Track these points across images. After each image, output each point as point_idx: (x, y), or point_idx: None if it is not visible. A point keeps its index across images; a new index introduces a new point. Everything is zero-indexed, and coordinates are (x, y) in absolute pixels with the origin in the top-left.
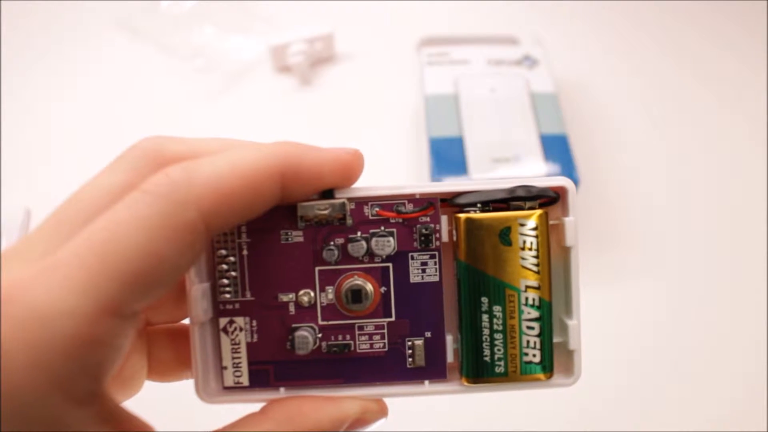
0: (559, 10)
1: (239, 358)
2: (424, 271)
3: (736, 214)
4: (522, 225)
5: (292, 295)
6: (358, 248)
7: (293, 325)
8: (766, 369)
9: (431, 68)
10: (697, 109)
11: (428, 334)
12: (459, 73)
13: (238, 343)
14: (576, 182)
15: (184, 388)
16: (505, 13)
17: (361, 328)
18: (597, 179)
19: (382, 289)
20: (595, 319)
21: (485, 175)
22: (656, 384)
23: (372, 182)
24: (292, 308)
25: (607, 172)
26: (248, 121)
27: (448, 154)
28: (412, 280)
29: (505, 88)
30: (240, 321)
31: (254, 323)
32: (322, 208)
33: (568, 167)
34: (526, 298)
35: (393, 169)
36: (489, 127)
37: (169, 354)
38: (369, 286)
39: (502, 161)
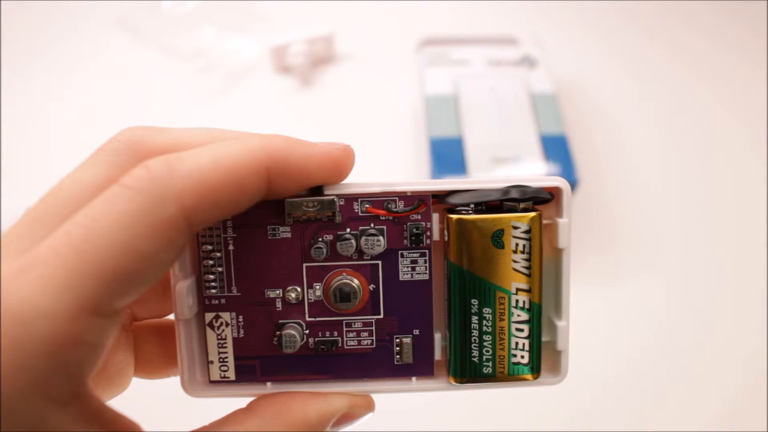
0: (559, 10)
1: (225, 352)
2: (413, 269)
3: (735, 214)
4: (515, 228)
5: (279, 291)
6: (348, 247)
7: (280, 321)
8: (766, 369)
9: (431, 68)
10: (697, 109)
11: (416, 332)
12: (459, 74)
13: (225, 338)
14: (575, 182)
15: (171, 385)
16: (505, 13)
17: (348, 325)
18: (597, 179)
19: (371, 287)
20: (594, 318)
21: (485, 175)
22: (656, 383)
23: (369, 181)
24: (279, 304)
25: (606, 172)
26: (248, 122)
27: (448, 155)
28: (401, 278)
29: (505, 88)
30: (226, 316)
31: (240, 318)
32: (310, 206)
33: (567, 167)
34: (517, 301)
35: (393, 170)
36: (489, 127)
37: (155, 350)
38: (358, 285)
39: (502, 161)
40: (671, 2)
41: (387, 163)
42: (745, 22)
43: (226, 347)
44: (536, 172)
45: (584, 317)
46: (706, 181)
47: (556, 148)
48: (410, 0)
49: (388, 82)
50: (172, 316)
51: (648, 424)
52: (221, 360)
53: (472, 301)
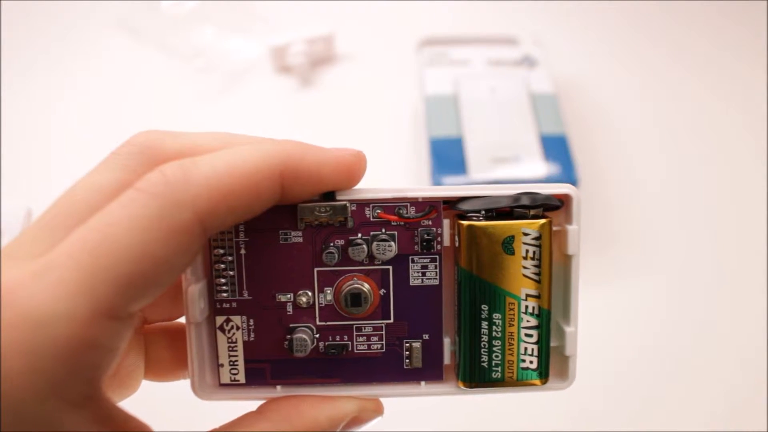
0: (559, 10)
1: (236, 356)
2: (424, 274)
3: (736, 214)
4: (525, 234)
5: (290, 296)
6: (359, 252)
7: (291, 325)
8: (766, 369)
9: (431, 68)
10: (697, 109)
11: (426, 337)
12: (459, 74)
13: (235, 342)
14: (575, 182)
15: (182, 388)
16: (505, 13)
17: (359, 329)
18: (597, 179)
19: (382, 292)
20: (594, 318)
21: (485, 175)
22: (656, 383)
23: (372, 182)
24: (289, 308)
25: (607, 172)
26: (248, 122)
27: (448, 155)
28: (411, 283)
29: (505, 88)
30: (237, 320)
31: (251, 322)
32: (322, 211)
33: (567, 167)
34: (526, 307)
35: (393, 170)
36: (489, 127)
37: (166, 354)
38: (368, 289)
39: (502, 161)
40: (671, 2)
41: (387, 164)
42: (745, 22)
43: (236, 351)
44: (536, 172)
45: (584, 317)
46: (706, 180)
47: (556, 148)
48: (410, 0)
49: (388, 82)
50: (182, 319)
51: (648, 424)
52: (231, 363)
53: (482, 306)
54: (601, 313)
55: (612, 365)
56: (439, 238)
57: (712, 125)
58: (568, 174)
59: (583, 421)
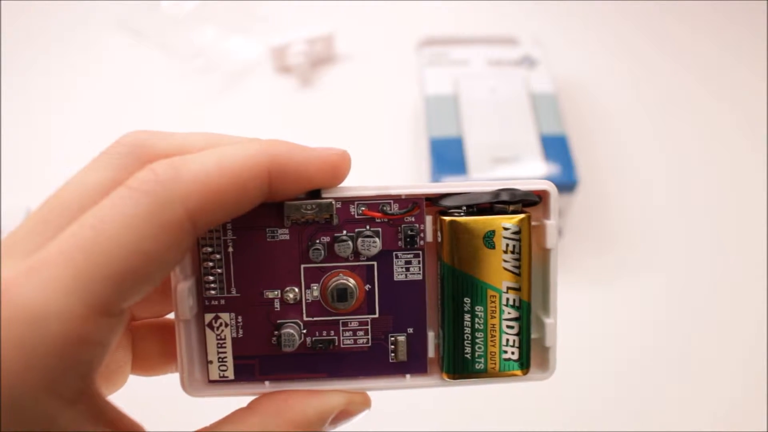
0: (559, 10)
1: (224, 352)
2: (408, 269)
3: (735, 213)
4: (505, 229)
5: (277, 292)
6: (345, 248)
7: (278, 321)
8: (766, 369)
9: (431, 68)
10: (697, 109)
11: (410, 330)
12: (459, 74)
13: (224, 338)
14: (575, 182)
15: (172, 385)
16: (505, 13)
17: (345, 324)
18: (597, 179)
19: (367, 287)
20: (593, 317)
21: (485, 175)
22: (655, 383)
23: (372, 182)
24: (277, 305)
25: (606, 172)
26: (248, 122)
27: (448, 155)
28: (396, 278)
29: (505, 88)
30: (225, 317)
31: (239, 319)
32: (308, 209)
33: (567, 167)
34: (507, 299)
35: (393, 170)
36: (489, 127)
37: (153, 348)
38: (354, 285)
39: (502, 161)
40: (671, 2)
41: (387, 163)
42: (745, 22)
43: (225, 347)
44: (536, 172)
45: (584, 317)
46: (706, 180)
47: (556, 148)
48: (410, 0)
49: (388, 82)
50: (170, 316)
51: (649, 424)
52: (220, 360)
53: (465, 299)
54: (601, 313)
55: (612, 365)
56: (422, 234)
57: (712, 125)
58: (567, 174)
59: (583, 421)
